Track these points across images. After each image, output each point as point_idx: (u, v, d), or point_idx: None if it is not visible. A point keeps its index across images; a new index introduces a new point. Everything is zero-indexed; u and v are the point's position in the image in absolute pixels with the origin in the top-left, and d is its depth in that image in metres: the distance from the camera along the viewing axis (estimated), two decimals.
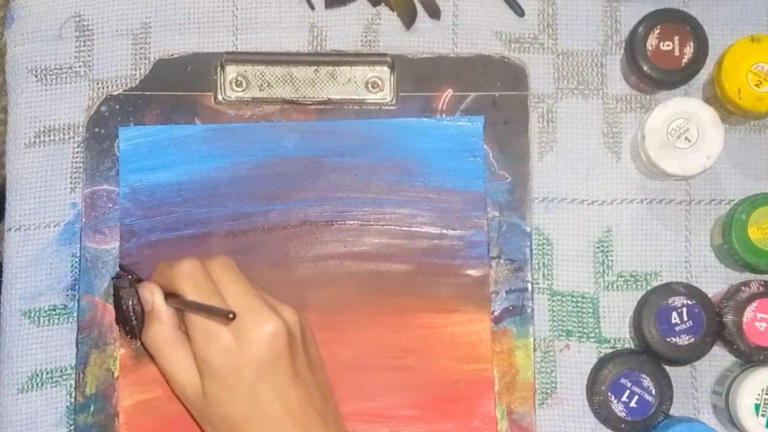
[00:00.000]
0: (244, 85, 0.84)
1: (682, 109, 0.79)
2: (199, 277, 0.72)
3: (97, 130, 0.84)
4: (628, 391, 0.79)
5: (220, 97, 0.84)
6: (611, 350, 0.82)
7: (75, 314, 0.82)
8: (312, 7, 0.86)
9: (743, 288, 0.78)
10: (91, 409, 0.81)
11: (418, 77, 0.84)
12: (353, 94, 0.84)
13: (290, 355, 0.71)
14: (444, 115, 0.84)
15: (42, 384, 0.82)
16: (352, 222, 0.83)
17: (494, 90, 0.84)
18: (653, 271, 0.83)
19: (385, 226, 0.83)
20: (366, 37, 0.85)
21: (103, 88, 0.85)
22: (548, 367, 0.82)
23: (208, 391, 0.72)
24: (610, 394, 0.79)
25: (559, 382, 0.82)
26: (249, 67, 0.84)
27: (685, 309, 0.79)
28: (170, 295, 0.74)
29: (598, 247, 0.83)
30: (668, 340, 0.78)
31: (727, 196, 0.83)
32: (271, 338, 0.70)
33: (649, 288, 0.81)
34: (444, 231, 0.82)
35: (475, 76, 0.84)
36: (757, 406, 0.77)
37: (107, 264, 0.82)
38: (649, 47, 0.80)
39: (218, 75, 0.84)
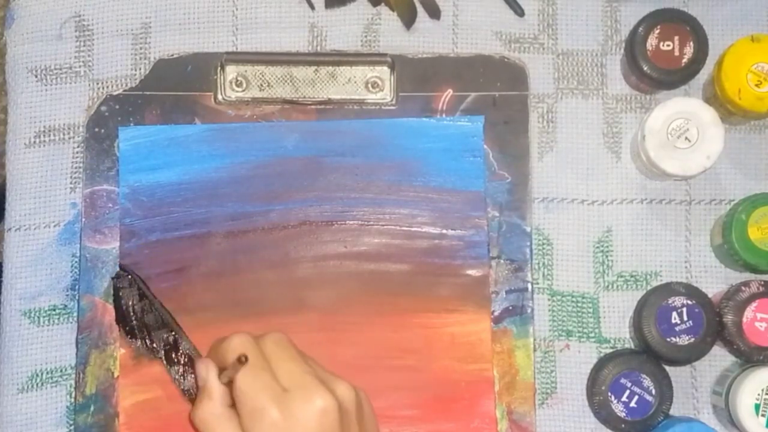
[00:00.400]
0: (244, 85, 0.84)
1: (682, 109, 0.79)
2: (250, 352, 0.70)
3: (97, 130, 0.84)
4: (628, 391, 0.79)
5: (220, 97, 0.84)
6: (611, 350, 0.82)
7: (75, 314, 0.82)
8: (312, 7, 0.86)
9: (743, 288, 0.78)
10: (91, 409, 0.81)
11: (418, 77, 0.84)
12: (353, 94, 0.84)
13: None
14: (444, 115, 0.84)
15: (42, 384, 0.82)
16: (352, 222, 0.83)
17: (494, 90, 0.84)
18: (653, 271, 0.83)
19: (385, 226, 0.83)
20: (366, 37, 0.85)
21: (103, 88, 0.85)
22: (548, 367, 0.82)
23: None
24: (610, 394, 0.79)
25: (559, 382, 0.82)
26: (249, 67, 0.84)
27: (685, 309, 0.79)
28: (222, 372, 0.72)
29: (598, 247, 0.83)
30: (668, 340, 0.78)
31: (727, 196, 0.83)
32: (319, 414, 0.68)
33: (649, 288, 0.81)
34: (444, 231, 0.82)
35: (475, 76, 0.84)
36: (757, 406, 0.77)
37: (107, 264, 0.82)
38: (649, 47, 0.80)
39: (218, 75, 0.84)
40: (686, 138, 0.79)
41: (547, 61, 0.85)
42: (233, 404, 0.70)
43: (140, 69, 0.85)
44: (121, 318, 0.82)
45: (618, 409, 0.79)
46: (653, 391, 0.79)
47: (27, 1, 0.86)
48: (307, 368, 0.70)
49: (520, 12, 0.85)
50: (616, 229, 0.83)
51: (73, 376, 0.82)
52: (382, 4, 0.85)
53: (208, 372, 0.71)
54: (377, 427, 0.74)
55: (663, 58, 0.80)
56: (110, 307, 0.82)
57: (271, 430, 0.68)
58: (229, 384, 0.70)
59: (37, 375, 0.83)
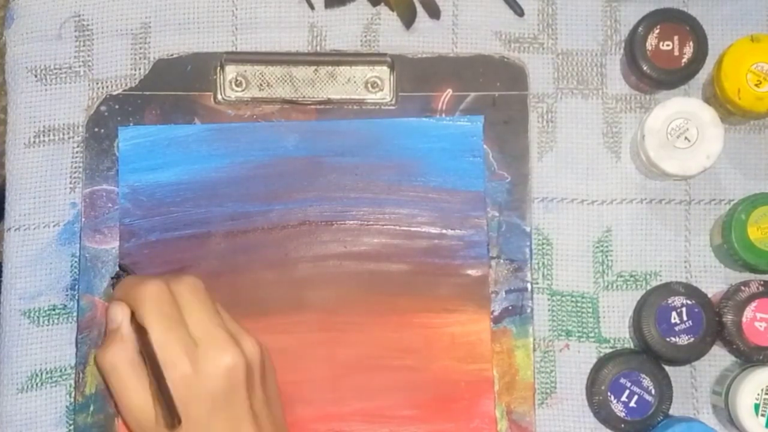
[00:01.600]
0: (244, 85, 0.84)
1: (682, 109, 0.79)
2: (164, 301, 0.71)
3: (96, 130, 0.84)
4: (627, 391, 0.79)
5: (219, 97, 0.84)
6: (611, 350, 0.82)
7: (75, 314, 0.82)
8: (312, 7, 0.86)
9: (743, 288, 0.78)
10: (91, 409, 0.81)
11: (418, 77, 0.84)
12: (353, 94, 0.84)
13: (246, 389, 0.70)
14: (444, 115, 0.84)
15: (42, 384, 0.82)
16: (352, 222, 0.83)
17: (494, 90, 0.84)
18: (653, 271, 0.83)
19: (384, 226, 0.83)
20: (366, 37, 0.85)
21: (103, 88, 0.85)
22: (548, 367, 0.82)
23: (161, 420, 0.70)
24: (609, 393, 0.79)
25: (558, 382, 0.82)
26: (249, 67, 0.84)
27: (684, 309, 0.79)
28: (134, 317, 0.72)
29: (597, 247, 0.83)
30: (668, 340, 0.78)
31: (727, 196, 0.83)
32: (227, 371, 0.69)
33: (648, 288, 0.81)
34: (444, 231, 0.82)
35: (474, 76, 0.84)
36: (756, 406, 0.77)
37: (107, 264, 0.82)
38: (648, 47, 0.80)
39: (218, 75, 0.84)
40: (686, 138, 0.79)
41: (546, 61, 0.85)
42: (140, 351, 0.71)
43: (140, 69, 0.85)
44: None
45: (618, 408, 0.79)
46: (653, 391, 0.79)
47: (27, 1, 0.86)
48: (218, 320, 0.72)
49: (519, 12, 0.85)
50: (616, 229, 0.83)
51: (73, 376, 0.82)
52: (382, 4, 0.85)
53: (123, 316, 0.72)
54: (276, 384, 0.75)
55: (663, 58, 0.80)
56: None
57: (180, 382, 0.70)
58: (138, 329, 0.70)
59: (37, 375, 0.83)
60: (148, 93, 0.84)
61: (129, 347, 0.72)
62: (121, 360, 0.72)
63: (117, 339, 0.72)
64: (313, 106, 0.84)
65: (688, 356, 0.79)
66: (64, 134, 0.85)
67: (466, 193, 0.83)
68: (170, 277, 0.73)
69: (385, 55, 0.84)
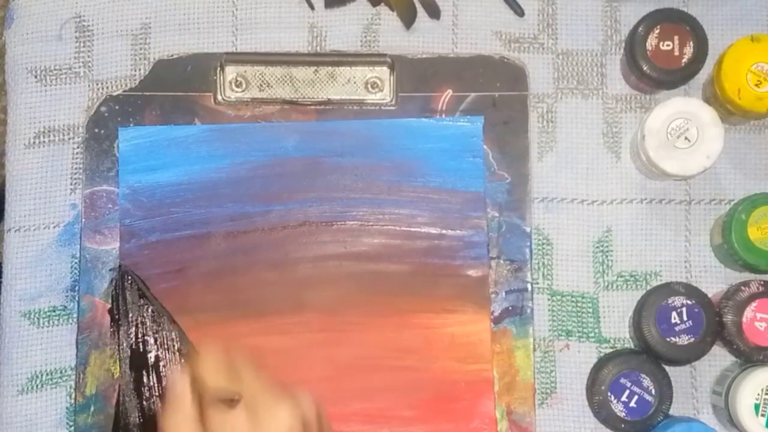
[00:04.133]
0: (244, 85, 0.84)
1: (682, 109, 0.79)
2: (221, 362, 0.69)
3: (97, 130, 0.84)
4: (627, 391, 0.79)
5: (219, 97, 0.84)
6: (611, 350, 0.82)
7: (75, 315, 0.82)
8: (312, 7, 0.86)
9: (743, 288, 0.78)
10: (91, 409, 0.81)
11: (418, 77, 0.84)
12: (353, 95, 0.84)
13: None
14: (444, 116, 0.84)
15: (42, 385, 0.82)
16: (351, 222, 0.83)
17: (494, 90, 0.84)
18: (653, 271, 0.83)
19: (384, 227, 0.83)
20: (366, 37, 0.85)
21: (103, 88, 0.85)
22: (548, 367, 0.82)
23: None
24: (609, 394, 0.79)
25: (558, 382, 0.82)
26: (249, 67, 0.84)
27: (684, 309, 0.79)
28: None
29: (597, 247, 0.83)
30: (668, 339, 0.78)
31: (727, 196, 0.83)
32: (287, 427, 0.68)
33: (648, 288, 0.81)
34: (444, 231, 0.82)
35: (474, 77, 0.84)
36: (756, 406, 0.77)
37: (107, 265, 0.83)
38: (649, 47, 0.80)
39: (218, 75, 0.84)
40: (686, 138, 0.79)
41: (546, 61, 0.85)
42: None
43: (140, 69, 0.85)
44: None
45: (618, 408, 0.79)
46: (653, 391, 0.79)
47: (27, 1, 0.87)
48: (271, 380, 0.70)
49: (520, 12, 0.85)
50: (616, 229, 0.83)
51: (73, 377, 0.82)
52: (382, 4, 0.85)
53: (184, 382, 0.69)
54: None
55: (663, 57, 0.80)
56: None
57: None
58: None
59: (37, 376, 0.83)
60: (148, 93, 0.84)
61: (188, 413, 0.71)
62: (182, 424, 0.69)
63: (178, 407, 0.71)
64: (313, 107, 0.84)
65: (688, 356, 0.79)
66: (64, 135, 0.85)
67: (466, 194, 0.83)
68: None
69: (385, 55, 0.84)
